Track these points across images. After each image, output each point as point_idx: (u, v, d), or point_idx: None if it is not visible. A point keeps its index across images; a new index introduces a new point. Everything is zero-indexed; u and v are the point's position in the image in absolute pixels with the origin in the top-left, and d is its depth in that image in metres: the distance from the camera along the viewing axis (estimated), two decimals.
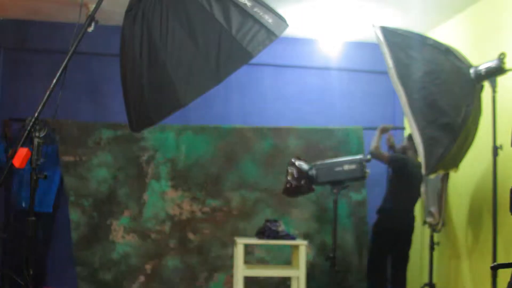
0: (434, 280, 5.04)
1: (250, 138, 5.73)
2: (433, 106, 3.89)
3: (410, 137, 5.05)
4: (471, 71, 4.02)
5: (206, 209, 5.63)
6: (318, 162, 5.00)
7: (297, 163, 4.97)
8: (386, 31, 4.01)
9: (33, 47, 5.91)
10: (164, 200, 5.59)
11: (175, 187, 5.63)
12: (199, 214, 5.62)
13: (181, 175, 5.64)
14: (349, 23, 5.57)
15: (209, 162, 5.67)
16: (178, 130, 5.69)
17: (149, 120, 3.31)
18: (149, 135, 5.57)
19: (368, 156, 4.94)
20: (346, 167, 4.85)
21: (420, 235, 5.52)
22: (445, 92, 3.93)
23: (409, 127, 3.96)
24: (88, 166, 5.49)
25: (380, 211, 5.16)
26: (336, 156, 5.41)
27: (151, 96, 3.19)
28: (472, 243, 4.76)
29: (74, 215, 5.40)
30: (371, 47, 6.14)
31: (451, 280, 5.07)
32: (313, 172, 4.86)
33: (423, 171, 3.93)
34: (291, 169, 4.98)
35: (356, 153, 5.44)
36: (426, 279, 5.14)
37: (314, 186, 5.08)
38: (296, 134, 5.79)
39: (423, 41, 4.10)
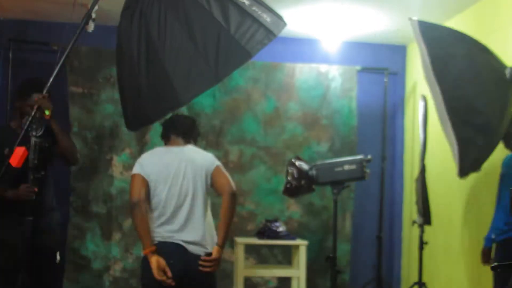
0: (434, 280, 5.03)
1: (253, 97, 5.80)
2: (469, 106, 3.70)
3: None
4: (507, 71, 3.85)
5: None
6: (319, 162, 4.99)
7: (297, 163, 4.95)
8: (423, 25, 3.79)
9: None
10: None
11: None
12: None
13: None
14: (349, 23, 5.56)
15: (212, 115, 5.71)
16: None
17: (147, 118, 3.31)
18: None
19: (369, 156, 4.92)
20: (346, 167, 4.83)
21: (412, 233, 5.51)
22: (483, 93, 3.74)
23: (442, 127, 3.74)
24: (95, 100, 5.52)
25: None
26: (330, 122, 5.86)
27: (149, 95, 3.18)
28: (472, 243, 4.74)
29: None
30: (371, 47, 6.15)
31: (452, 280, 5.05)
32: (313, 172, 4.84)
33: (457, 173, 3.72)
34: (291, 169, 4.96)
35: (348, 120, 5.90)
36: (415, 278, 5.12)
37: (314, 186, 5.07)
38: (296, 99, 5.88)
39: (462, 38, 3.92)
